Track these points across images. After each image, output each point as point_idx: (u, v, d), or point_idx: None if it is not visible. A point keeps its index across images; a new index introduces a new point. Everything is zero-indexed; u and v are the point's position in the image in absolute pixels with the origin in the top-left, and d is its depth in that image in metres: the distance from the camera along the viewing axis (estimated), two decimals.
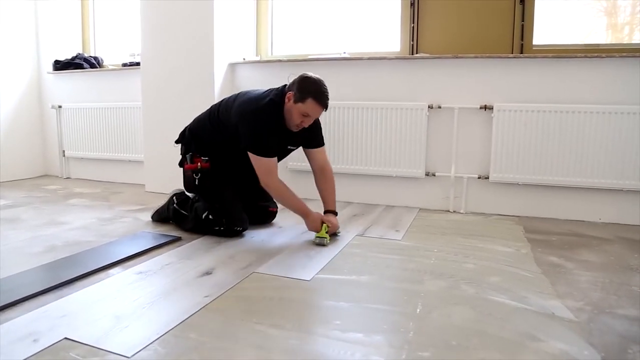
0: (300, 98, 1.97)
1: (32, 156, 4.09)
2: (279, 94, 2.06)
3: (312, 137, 2.24)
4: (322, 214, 2.20)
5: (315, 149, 2.26)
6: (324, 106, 2.01)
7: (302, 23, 3.50)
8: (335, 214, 2.25)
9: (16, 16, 3.89)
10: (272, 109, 2.03)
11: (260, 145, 2.03)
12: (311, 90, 1.97)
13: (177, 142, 2.37)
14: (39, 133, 4.13)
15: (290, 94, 2.01)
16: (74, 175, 4.04)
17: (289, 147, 2.22)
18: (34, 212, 2.71)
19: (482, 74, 2.73)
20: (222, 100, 2.28)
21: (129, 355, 1.13)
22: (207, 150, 2.24)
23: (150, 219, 2.50)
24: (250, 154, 2.05)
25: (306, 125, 2.07)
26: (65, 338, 1.21)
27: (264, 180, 2.08)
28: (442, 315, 1.38)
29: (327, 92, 2.01)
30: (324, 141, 2.30)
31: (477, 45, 2.87)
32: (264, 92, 2.12)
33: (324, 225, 2.11)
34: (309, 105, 1.98)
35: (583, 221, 2.59)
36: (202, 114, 2.33)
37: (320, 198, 2.29)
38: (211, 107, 2.32)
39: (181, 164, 2.32)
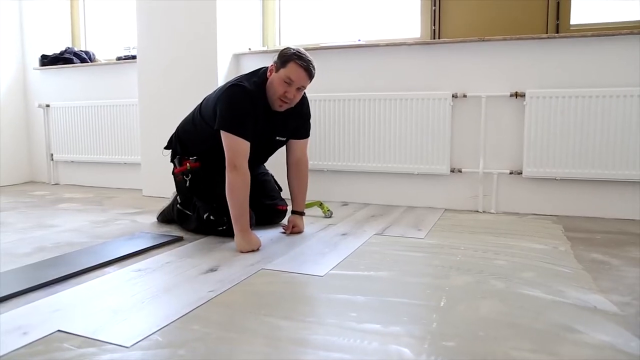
0: (281, 64, 2.08)
1: (16, 160, 4.17)
2: (262, 72, 2.18)
3: (301, 126, 2.36)
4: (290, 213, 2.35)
5: (298, 140, 2.37)
6: (307, 70, 2.08)
7: (312, 9, 3.58)
8: (303, 214, 2.38)
9: None
10: (251, 86, 2.12)
11: (232, 122, 2.06)
12: (292, 54, 2.08)
13: (166, 147, 2.48)
14: (24, 135, 4.24)
15: (272, 66, 2.13)
16: (64, 181, 4.13)
17: (277, 137, 2.29)
18: (20, 216, 2.80)
19: (512, 58, 2.76)
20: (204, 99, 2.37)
21: (128, 345, 1.18)
22: (195, 150, 2.34)
23: (156, 220, 2.61)
24: (222, 134, 2.07)
25: (290, 96, 2.10)
26: (59, 330, 1.26)
27: (232, 161, 2.04)
28: (468, 308, 1.41)
29: (311, 60, 2.09)
30: (309, 133, 2.41)
31: (506, 26, 2.91)
32: (245, 74, 2.25)
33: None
34: (291, 68, 2.06)
35: (632, 220, 2.58)
36: (186, 117, 2.44)
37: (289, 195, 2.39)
38: (194, 108, 2.41)
39: (173, 172, 2.42)
